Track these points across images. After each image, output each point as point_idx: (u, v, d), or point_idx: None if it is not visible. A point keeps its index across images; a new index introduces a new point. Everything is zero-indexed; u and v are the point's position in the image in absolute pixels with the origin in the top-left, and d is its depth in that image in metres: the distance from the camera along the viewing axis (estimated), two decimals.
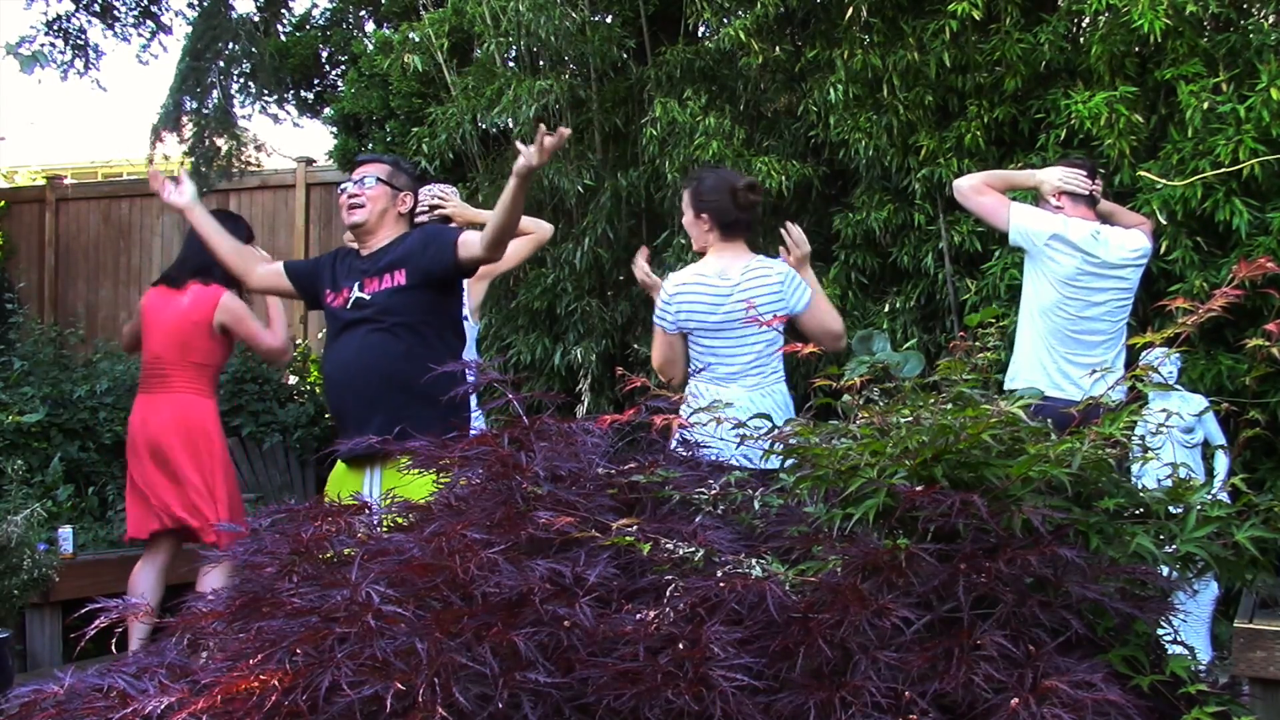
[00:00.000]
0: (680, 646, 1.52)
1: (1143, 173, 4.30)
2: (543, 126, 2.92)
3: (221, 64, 7.09)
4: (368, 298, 3.10)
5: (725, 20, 5.37)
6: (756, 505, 1.95)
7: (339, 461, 3.12)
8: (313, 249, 7.55)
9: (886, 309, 5.08)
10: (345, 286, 3.16)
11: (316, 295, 3.27)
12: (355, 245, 3.27)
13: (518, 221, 3.09)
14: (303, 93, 7.89)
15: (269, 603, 1.70)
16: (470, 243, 3.07)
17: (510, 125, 5.68)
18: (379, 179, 3.19)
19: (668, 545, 1.71)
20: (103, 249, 8.16)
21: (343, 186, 3.26)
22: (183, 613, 1.77)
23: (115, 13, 7.88)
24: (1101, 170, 4.51)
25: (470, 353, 3.96)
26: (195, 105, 7.07)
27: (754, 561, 1.69)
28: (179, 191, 3.31)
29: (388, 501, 2.07)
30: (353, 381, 3.08)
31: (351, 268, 3.20)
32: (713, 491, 1.94)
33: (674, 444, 2.29)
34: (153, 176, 3.37)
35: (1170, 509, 1.85)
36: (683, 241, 5.15)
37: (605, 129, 5.79)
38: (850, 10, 4.82)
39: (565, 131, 2.96)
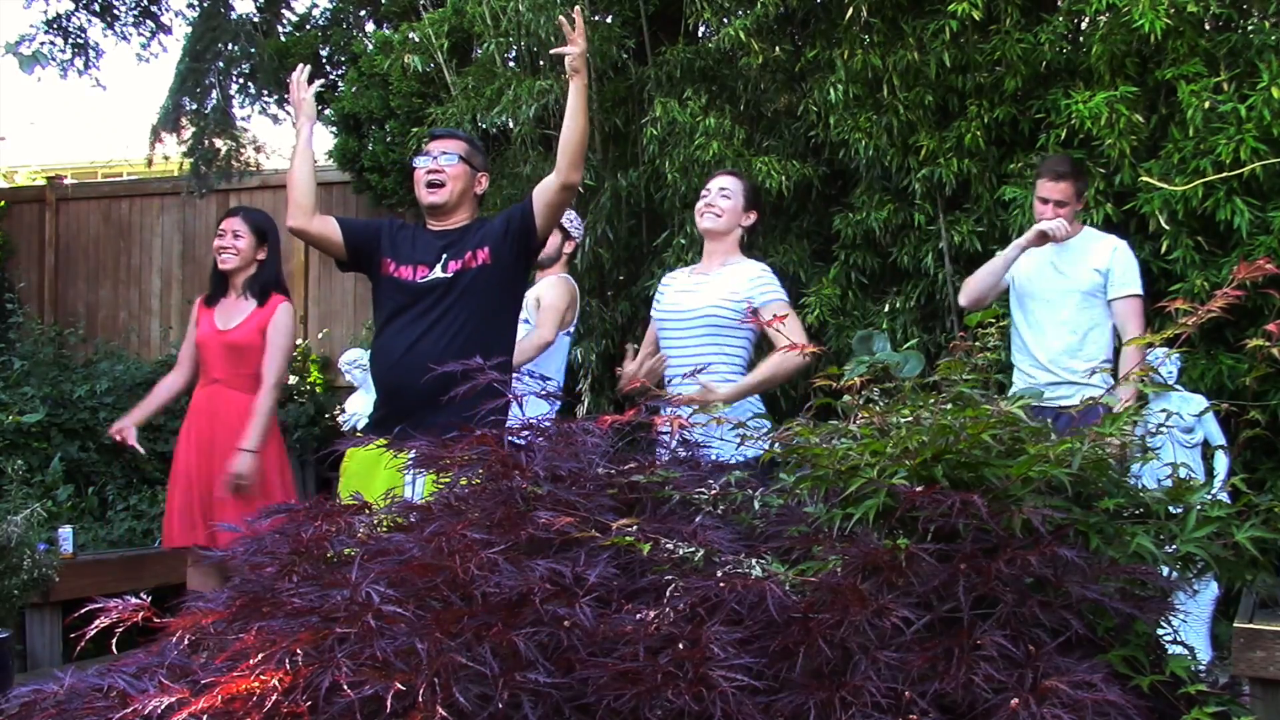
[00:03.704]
0: (680, 646, 1.52)
1: (1145, 179, 4.30)
2: (562, 19, 2.97)
3: (221, 64, 7.09)
4: (450, 276, 3.02)
5: (725, 20, 5.37)
6: (756, 505, 1.95)
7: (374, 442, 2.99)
8: (313, 248, 7.53)
9: (886, 309, 5.08)
10: (422, 263, 3.05)
11: (367, 258, 3.14)
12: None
13: (587, 126, 2.96)
14: None
15: (269, 603, 1.70)
16: (545, 183, 3.02)
17: (510, 125, 5.68)
18: (460, 157, 3.10)
19: (668, 545, 1.71)
20: (103, 249, 8.15)
21: (418, 162, 3.14)
22: (183, 613, 1.77)
23: (115, 12, 7.87)
24: (1101, 170, 4.53)
25: (559, 370, 3.91)
26: (195, 106, 7.07)
27: (754, 561, 1.69)
28: (308, 98, 3.34)
29: (387, 501, 2.07)
30: (418, 367, 2.90)
31: (426, 243, 3.09)
32: (713, 491, 1.94)
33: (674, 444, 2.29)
34: (296, 83, 3.40)
35: (1170, 509, 1.85)
36: (683, 242, 5.15)
37: (605, 129, 5.78)
38: (850, 10, 4.81)
39: (577, 11, 2.97)
